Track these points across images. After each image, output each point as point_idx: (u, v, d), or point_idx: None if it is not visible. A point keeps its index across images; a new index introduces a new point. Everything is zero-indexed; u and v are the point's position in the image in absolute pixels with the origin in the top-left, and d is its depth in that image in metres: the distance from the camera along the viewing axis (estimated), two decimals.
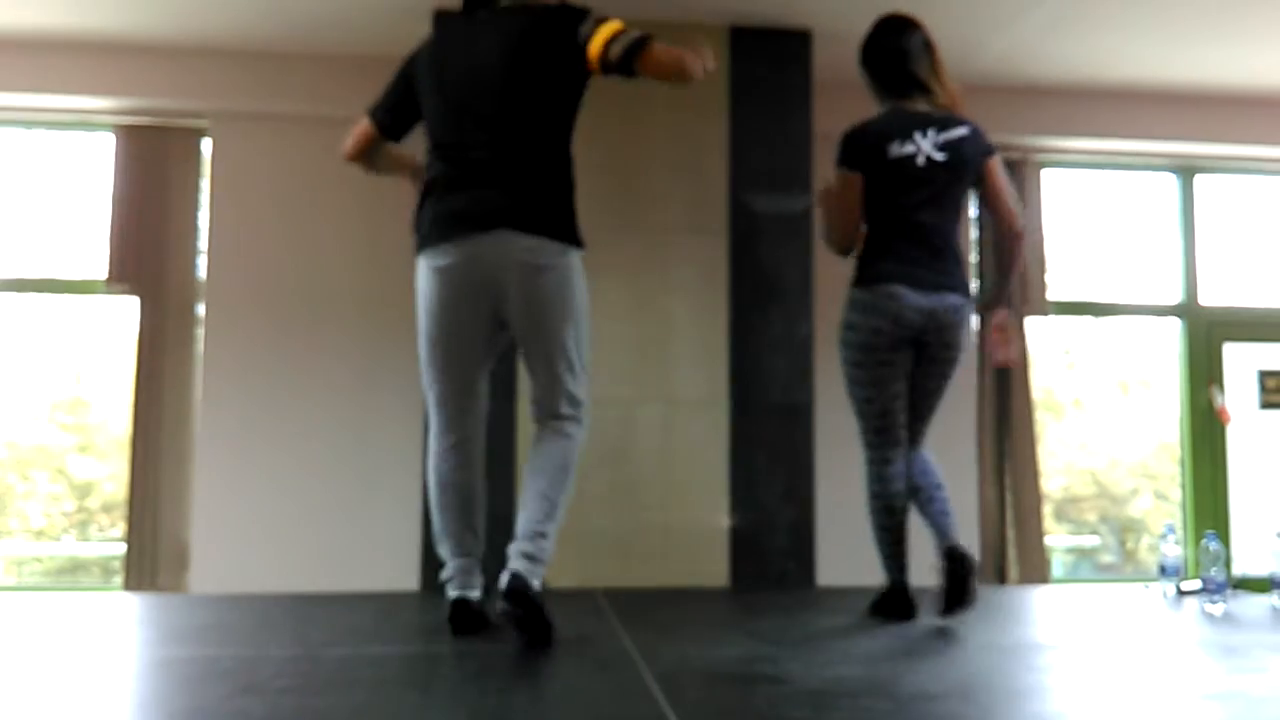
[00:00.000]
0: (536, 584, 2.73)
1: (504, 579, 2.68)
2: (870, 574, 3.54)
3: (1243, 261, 6.43)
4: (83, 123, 5.68)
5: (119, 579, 5.40)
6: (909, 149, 3.22)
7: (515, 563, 2.71)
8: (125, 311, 5.62)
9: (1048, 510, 6.18)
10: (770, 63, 5.19)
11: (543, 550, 2.77)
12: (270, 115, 5.57)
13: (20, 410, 6.84)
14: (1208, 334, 6.21)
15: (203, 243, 5.55)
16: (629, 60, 2.71)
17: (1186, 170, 6.30)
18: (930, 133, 3.23)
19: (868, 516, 3.37)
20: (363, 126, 3.07)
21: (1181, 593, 4.14)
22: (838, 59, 5.44)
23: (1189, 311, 6.24)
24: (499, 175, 2.78)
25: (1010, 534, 5.88)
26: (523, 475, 2.88)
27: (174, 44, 5.43)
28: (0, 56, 5.37)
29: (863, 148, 3.27)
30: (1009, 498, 5.91)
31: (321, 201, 5.56)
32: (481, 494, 3.00)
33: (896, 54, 3.32)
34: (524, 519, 2.79)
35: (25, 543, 7.18)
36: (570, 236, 2.83)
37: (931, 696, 2.24)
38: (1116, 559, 8.24)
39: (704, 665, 2.62)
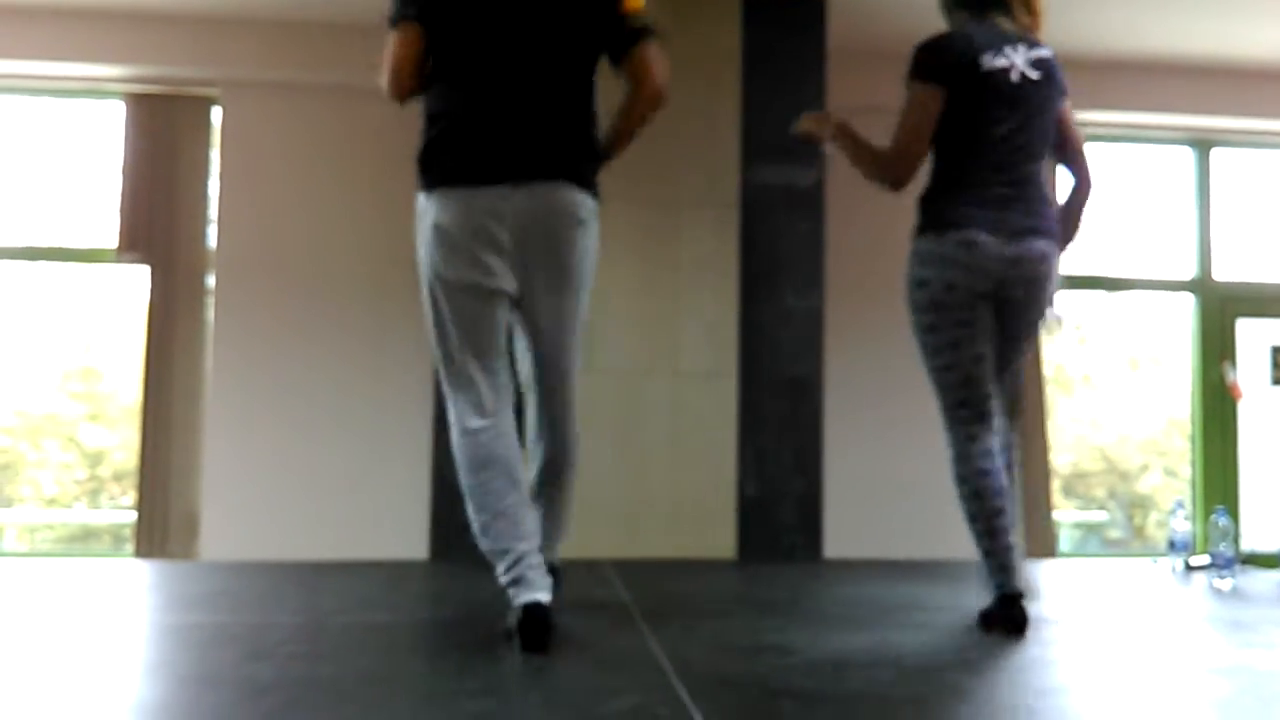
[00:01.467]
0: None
1: (531, 605, 2.36)
2: (877, 546, 3.53)
3: (1258, 237, 6.37)
4: (93, 91, 5.67)
5: (130, 546, 5.44)
6: (1002, 61, 2.75)
7: (541, 590, 2.39)
8: (136, 281, 5.63)
9: (1056, 485, 6.18)
10: (784, 32, 5.14)
11: (557, 554, 2.81)
12: (281, 84, 5.55)
13: (32, 379, 6.88)
14: (1221, 309, 6.17)
15: (213, 212, 5.55)
16: (634, 37, 2.55)
17: (1203, 144, 6.24)
18: (1021, 48, 2.79)
19: (959, 505, 2.86)
20: (406, 39, 2.49)
21: (1190, 568, 4.13)
22: (852, 28, 5.41)
23: (1202, 287, 6.20)
24: (547, 121, 2.49)
25: (1018, 508, 5.87)
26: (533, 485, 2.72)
27: (185, 12, 5.41)
28: (11, 24, 5.35)
29: (949, 58, 2.74)
30: (1017, 472, 5.88)
31: (332, 170, 5.54)
32: (524, 475, 2.60)
33: None
34: (545, 527, 2.73)
35: (37, 510, 7.24)
36: (597, 191, 2.60)
37: (937, 668, 2.24)
38: (1124, 534, 8.24)
39: (711, 636, 2.63)
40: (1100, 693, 2.04)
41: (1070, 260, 6.38)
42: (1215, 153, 6.26)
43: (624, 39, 2.56)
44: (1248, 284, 6.25)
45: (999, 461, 2.81)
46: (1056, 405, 7.07)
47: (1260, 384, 6.16)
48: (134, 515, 5.41)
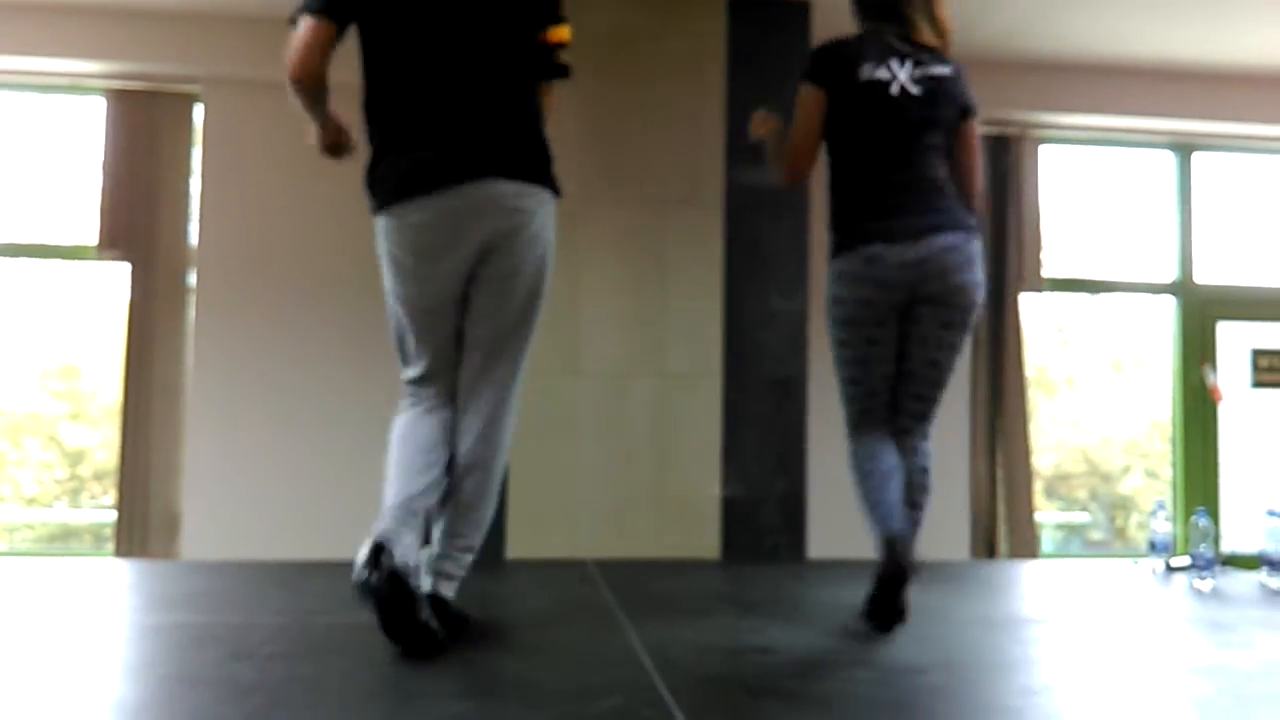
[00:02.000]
0: (452, 596, 2.45)
1: (427, 598, 2.33)
2: (860, 547, 3.54)
3: (1238, 240, 6.42)
4: (74, 86, 5.62)
5: (110, 546, 5.40)
6: (883, 74, 2.81)
7: (439, 586, 2.42)
8: (116, 278, 5.59)
9: (1038, 486, 6.21)
10: (768, 32, 5.15)
11: (463, 568, 2.48)
12: (263, 82, 5.50)
13: (12, 377, 6.82)
14: (1202, 312, 6.21)
15: (195, 209, 5.51)
16: (556, 72, 2.58)
17: (1184, 148, 6.28)
18: (909, 64, 2.83)
19: (860, 504, 2.92)
20: (313, 29, 2.47)
21: (1171, 569, 4.16)
22: (837, 28, 5.40)
23: (1184, 289, 6.24)
24: (481, 119, 2.46)
25: (1000, 509, 5.91)
26: (453, 479, 2.52)
27: (167, 8, 5.37)
28: None
29: (831, 64, 2.86)
30: (1000, 473, 5.93)
31: (314, 168, 5.45)
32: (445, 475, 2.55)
33: None
34: (448, 531, 2.49)
35: (17, 509, 7.18)
36: (553, 185, 2.55)
37: (919, 669, 2.24)
38: (1106, 536, 8.28)
39: (693, 635, 2.63)
40: (1082, 693, 2.05)
41: (1053, 263, 6.43)
42: (1196, 156, 6.30)
43: (543, 70, 2.57)
44: (1228, 287, 6.30)
45: (914, 478, 2.86)
46: (1038, 407, 7.10)
47: (1240, 387, 6.20)
48: (114, 514, 5.37)
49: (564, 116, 2.60)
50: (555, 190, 2.55)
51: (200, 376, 5.39)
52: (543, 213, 2.50)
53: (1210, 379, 6.12)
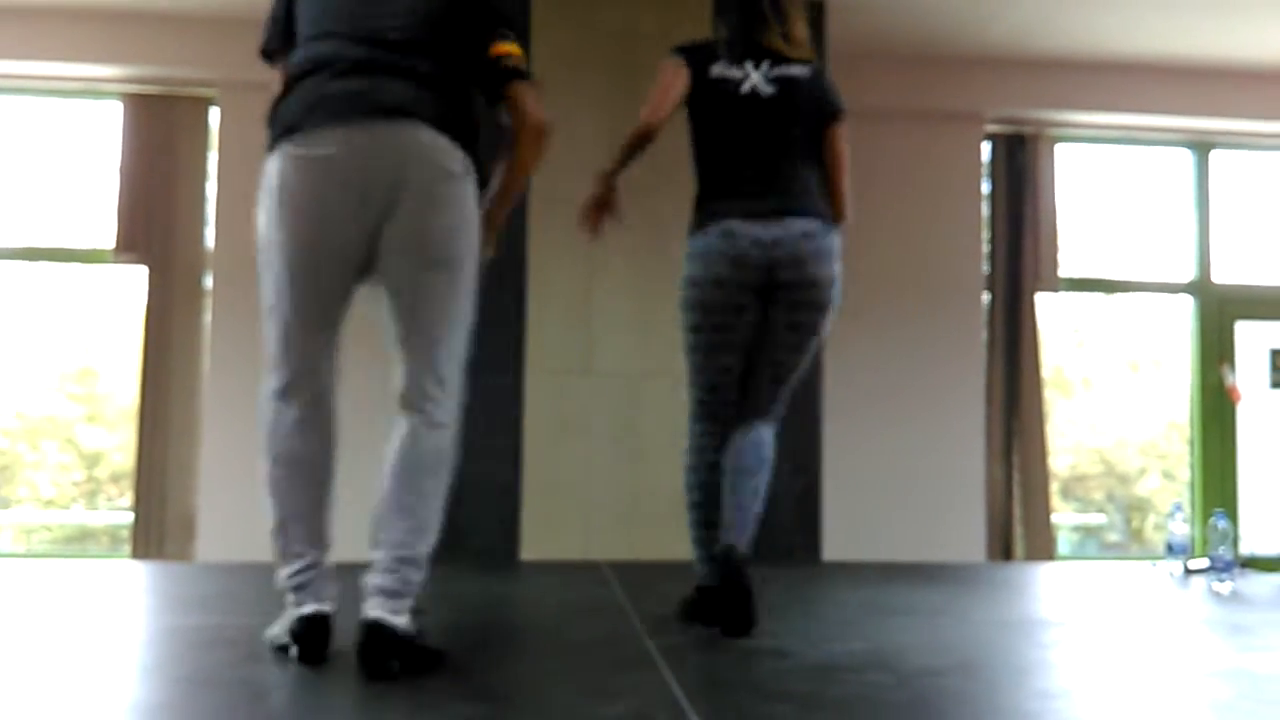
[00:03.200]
0: (402, 622, 2.11)
1: (362, 625, 2.10)
2: (875, 549, 3.53)
3: (1256, 239, 6.37)
4: (91, 91, 5.66)
5: (127, 548, 5.43)
6: (734, 73, 2.84)
7: (375, 607, 2.11)
8: (133, 281, 5.62)
9: (1055, 488, 6.18)
10: None
11: (409, 583, 2.17)
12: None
13: (29, 380, 6.86)
14: (1220, 312, 6.17)
15: (211, 213, 5.54)
16: (508, 75, 2.36)
17: (1202, 146, 6.24)
18: (764, 65, 2.85)
19: (686, 504, 2.96)
20: (281, 69, 2.43)
21: (1189, 571, 4.13)
22: (852, 31, 5.41)
23: (1201, 289, 6.20)
24: (410, 68, 2.25)
25: (1017, 511, 5.88)
26: (381, 478, 2.34)
27: (183, 12, 5.40)
28: (9, 24, 5.34)
29: (694, 54, 2.89)
30: (1016, 475, 5.91)
31: None
32: (334, 472, 2.44)
33: None
34: (385, 540, 2.22)
35: (34, 511, 7.22)
36: (478, 162, 2.31)
37: (935, 672, 2.23)
38: (1123, 538, 8.23)
39: (708, 638, 2.62)
40: (1100, 696, 2.04)
41: (1070, 263, 6.40)
42: (1214, 155, 6.26)
43: (496, 78, 2.37)
44: (1247, 286, 6.25)
45: (736, 461, 2.79)
46: (1055, 408, 7.06)
47: (1259, 386, 6.16)
48: (131, 516, 5.40)
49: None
50: (480, 171, 2.33)
51: (216, 379, 5.41)
52: (470, 181, 2.27)
53: (1229, 379, 6.07)
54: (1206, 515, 5.21)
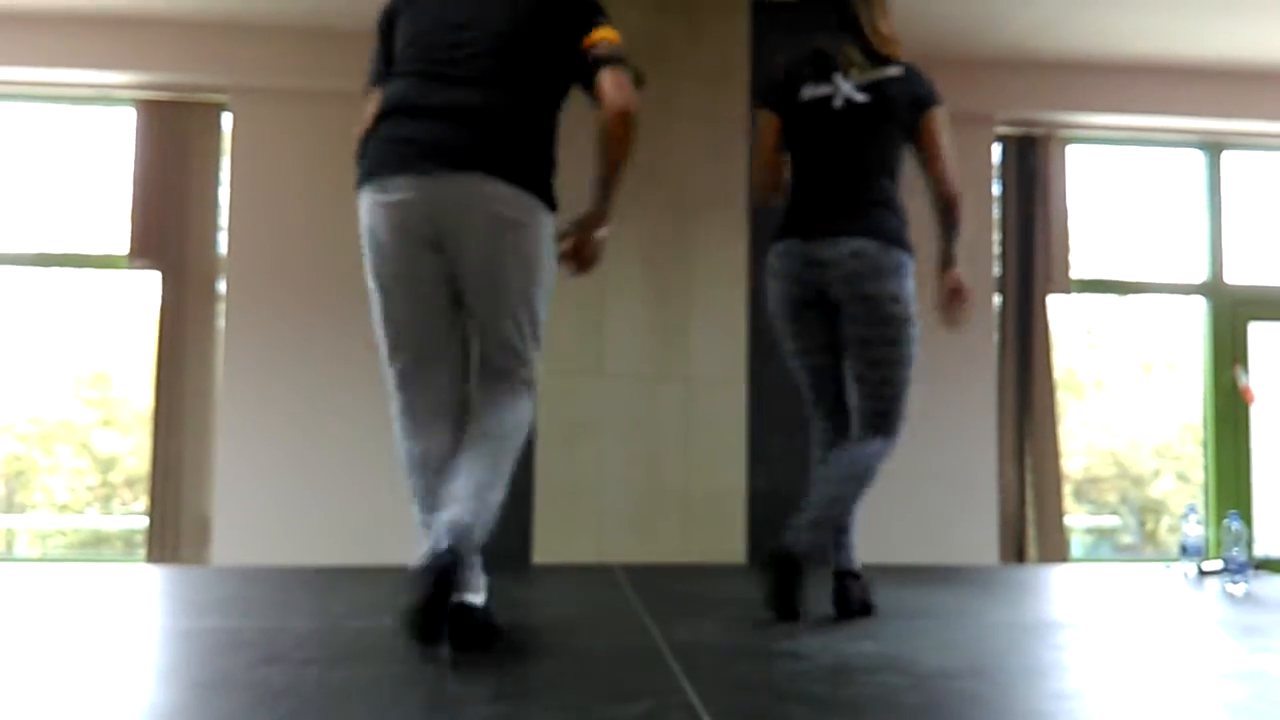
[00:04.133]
0: (479, 600, 2.30)
1: (451, 608, 2.22)
2: (887, 551, 3.53)
3: (1269, 240, 6.35)
4: (104, 98, 5.69)
5: (142, 552, 5.45)
6: (824, 90, 2.94)
7: (458, 590, 2.24)
8: (147, 287, 5.65)
9: (1067, 490, 6.16)
10: (792, 36, 5.13)
11: (478, 513, 2.26)
12: (291, 91, 5.57)
13: (44, 385, 6.90)
14: (1233, 313, 6.15)
15: (224, 218, 5.57)
16: (602, 63, 2.43)
17: (1214, 147, 6.22)
18: (853, 73, 2.93)
19: None
20: (370, 103, 2.53)
21: (1203, 573, 4.11)
22: None
23: (1214, 290, 6.18)
24: (482, 112, 2.35)
25: (1030, 513, 5.87)
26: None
27: (195, 18, 5.43)
28: (22, 31, 5.38)
29: (776, 88, 3.02)
30: (1029, 477, 5.89)
31: (342, 177, 5.49)
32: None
33: None
34: (451, 486, 2.31)
35: (49, 516, 7.26)
36: (547, 195, 2.43)
37: (949, 674, 2.23)
38: (1136, 540, 8.21)
39: (722, 640, 2.62)
40: (1114, 698, 2.03)
41: (1082, 265, 6.39)
42: (1226, 156, 6.25)
43: (588, 71, 2.45)
44: (1259, 287, 6.23)
45: (824, 470, 2.89)
46: (1068, 410, 7.05)
47: (1273, 388, 6.13)
48: (146, 520, 5.43)
49: (589, 122, 2.57)
50: (552, 205, 2.44)
51: (230, 383, 5.43)
52: (535, 222, 2.39)
53: (1242, 380, 6.05)
54: (1220, 517, 5.19)
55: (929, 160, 2.96)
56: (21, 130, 5.78)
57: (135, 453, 6.83)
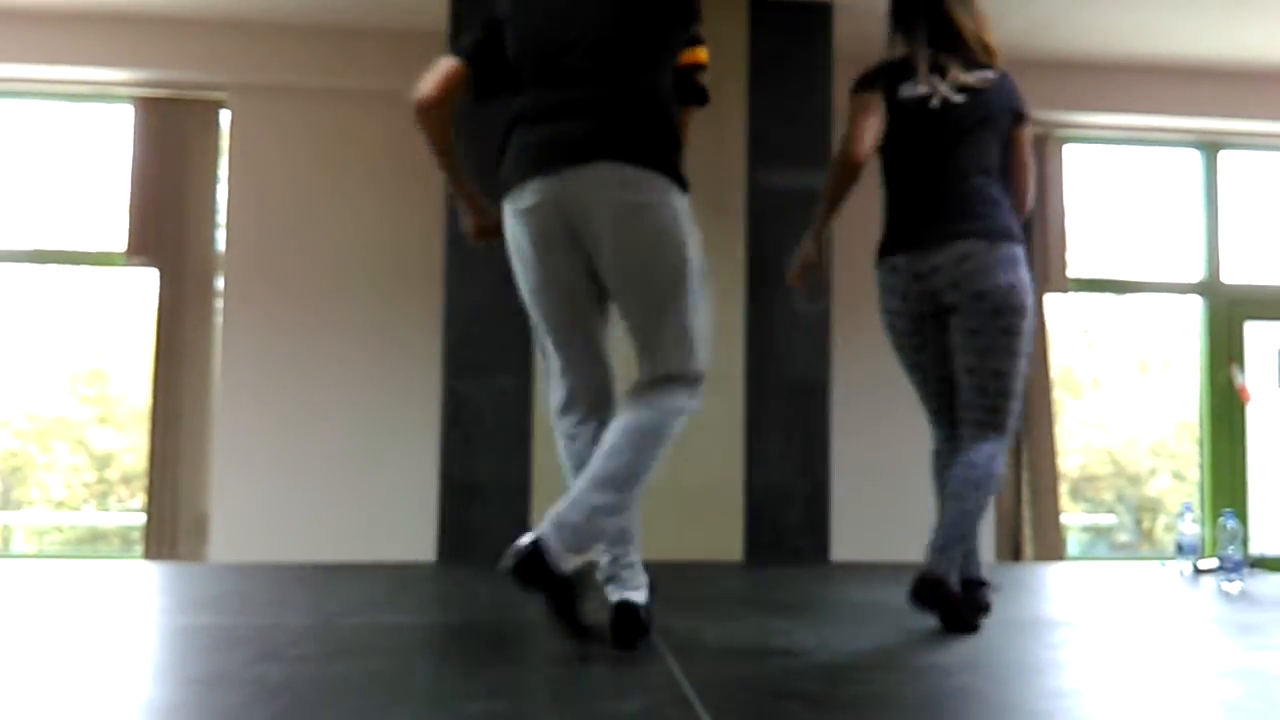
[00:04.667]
0: (641, 597, 2.36)
1: (613, 607, 2.35)
2: (883, 549, 3.54)
3: (1265, 239, 6.36)
4: (102, 95, 5.69)
5: (139, 548, 5.45)
6: (923, 90, 2.88)
7: (616, 590, 2.37)
8: (144, 284, 5.65)
9: (1064, 488, 6.17)
10: (790, 37, 5.15)
11: (595, 520, 2.27)
12: (289, 88, 5.58)
13: (41, 382, 6.90)
14: (1229, 312, 6.16)
15: (221, 215, 5.57)
16: (698, 96, 2.49)
17: (1210, 146, 6.23)
18: (949, 75, 2.88)
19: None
20: (442, 65, 2.43)
21: (1198, 571, 4.13)
22: (860, 33, 5.40)
23: (1210, 289, 6.19)
24: (598, 102, 2.35)
25: (1026, 512, 5.88)
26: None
27: (193, 16, 5.43)
28: (20, 28, 5.38)
29: (880, 78, 2.92)
30: (1025, 475, 5.90)
31: (340, 175, 5.56)
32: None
33: None
34: (577, 485, 2.32)
35: (46, 513, 7.25)
36: (676, 174, 2.41)
37: (945, 670, 2.24)
38: (1132, 538, 8.22)
39: (718, 637, 2.63)
40: (1110, 696, 2.04)
41: (1079, 263, 6.38)
42: (1223, 155, 6.26)
43: (682, 93, 2.49)
44: (1256, 287, 6.24)
45: (949, 485, 2.82)
46: (1064, 408, 7.05)
47: (1268, 387, 6.14)
48: (143, 518, 5.43)
49: None
50: (683, 184, 2.43)
51: (228, 380, 5.44)
52: (667, 201, 2.37)
53: (1238, 379, 6.06)
54: (1216, 515, 5.20)
55: (1015, 172, 2.97)
56: (20, 127, 5.78)
57: (132, 449, 6.83)
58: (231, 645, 2.41)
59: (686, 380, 2.39)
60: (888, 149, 2.93)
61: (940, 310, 2.86)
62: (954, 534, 2.75)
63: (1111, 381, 7.95)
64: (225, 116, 5.63)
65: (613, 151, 2.32)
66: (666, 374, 2.38)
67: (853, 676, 2.15)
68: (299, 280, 5.49)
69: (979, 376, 2.83)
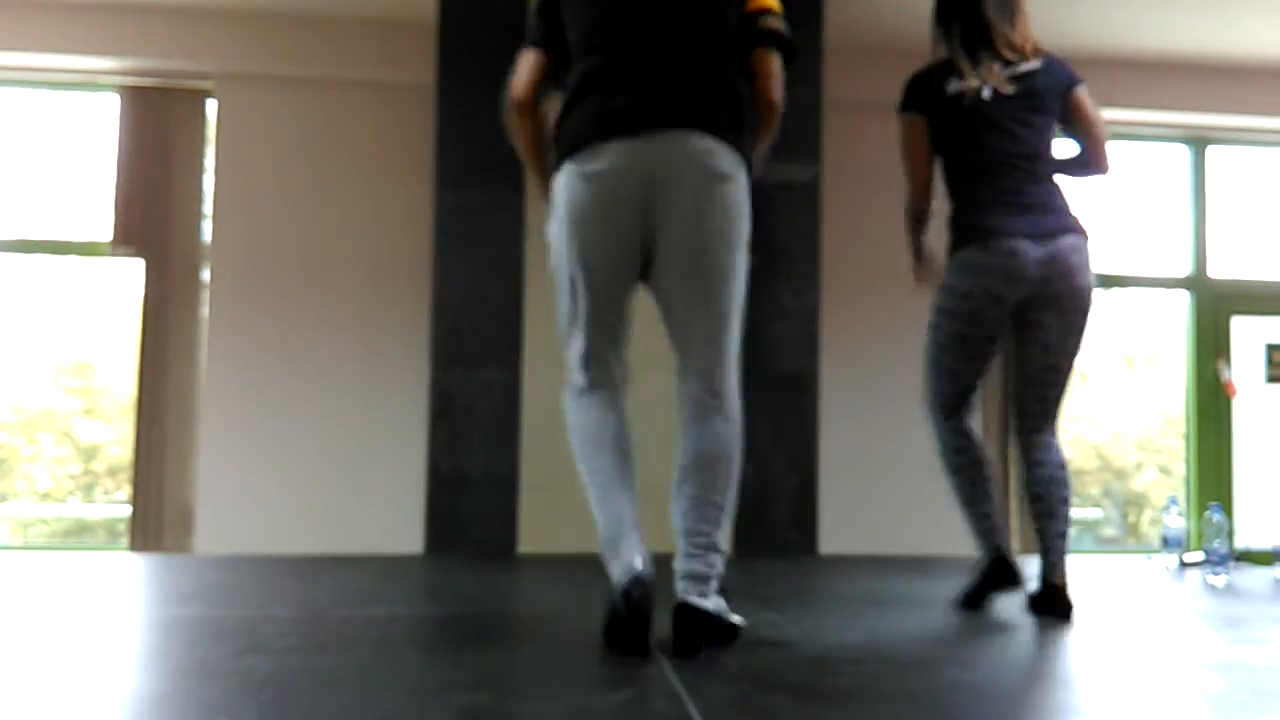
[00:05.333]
0: (710, 604, 2.30)
1: (675, 608, 2.29)
2: (871, 542, 3.54)
3: (1253, 234, 6.39)
4: (87, 83, 5.65)
5: (124, 540, 5.43)
6: (972, 83, 2.92)
7: (684, 591, 2.30)
8: (130, 274, 5.62)
9: None
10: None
11: (712, 566, 2.33)
12: (276, 77, 5.54)
13: (26, 373, 6.86)
14: (1216, 307, 6.19)
15: (208, 205, 5.54)
16: (765, 38, 2.42)
17: (1198, 141, 6.25)
18: (997, 68, 2.94)
19: (952, 482, 3.15)
20: (529, 58, 2.44)
21: (1184, 564, 4.14)
22: (850, 22, 5.41)
23: (1198, 284, 6.21)
24: (679, 70, 2.32)
25: (1013, 505, 5.89)
26: (676, 471, 2.49)
27: (179, 4, 5.40)
28: (4, 16, 5.34)
29: (921, 87, 2.99)
30: (1012, 469, 5.92)
31: (327, 164, 5.53)
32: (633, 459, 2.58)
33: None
34: (687, 529, 2.38)
35: (31, 505, 7.22)
36: (747, 154, 2.39)
37: (932, 663, 2.24)
38: (1119, 532, 8.26)
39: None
40: (1096, 687, 2.05)
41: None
42: (1211, 150, 6.27)
43: (745, 39, 2.42)
44: (1243, 281, 6.27)
45: (1045, 488, 2.97)
46: None
47: (1255, 381, 6.17)
48: (129, 509, 5.40)
49: None
50: (750, 165, 2.40)
51: (214, 372, 5.41)
52: (741, 178, 2.37)
53: (1224, 374, 6.09)
54: (1202, 509, 5.23)
55: (1086, 134, 3.09)
56: (4, 115, 5.73)
57: (118, 441, 6.80)
58: (218, 637, 2.40)
59: (731, 384, 2.55)
60: (947, 143, 2.97)
61: (1033, 304, 2.87)
62: (1064, 546, 2.87)
63: (1098, 376, 7.98)
64: (212, 106, 5.60)
65: (701, 122, 2.30)
66: (714, 386, 2.50)
67: (840, 668, 2.15)
68: (286, 271, 5.47)
69: (1058, 374, 2.91)
